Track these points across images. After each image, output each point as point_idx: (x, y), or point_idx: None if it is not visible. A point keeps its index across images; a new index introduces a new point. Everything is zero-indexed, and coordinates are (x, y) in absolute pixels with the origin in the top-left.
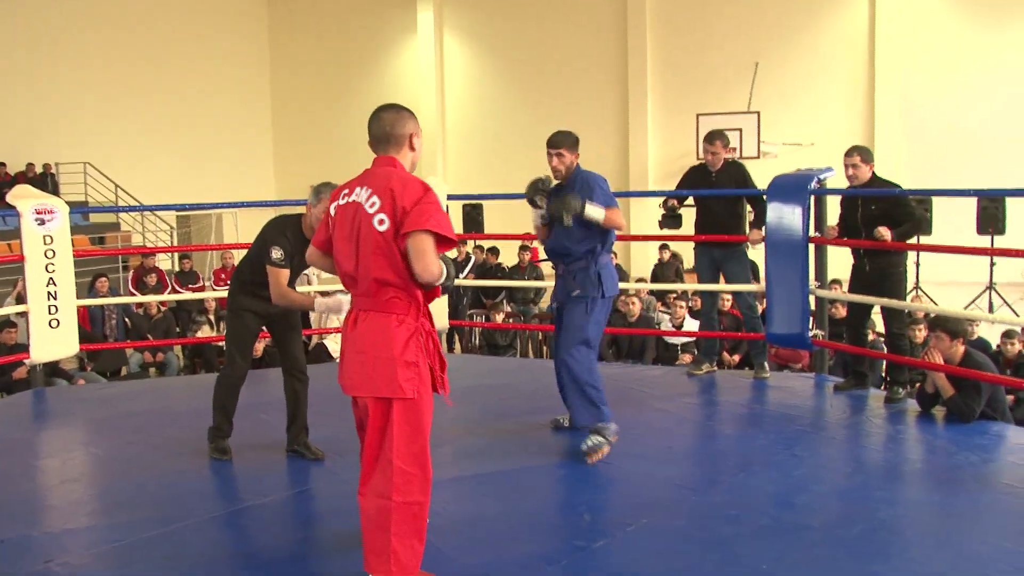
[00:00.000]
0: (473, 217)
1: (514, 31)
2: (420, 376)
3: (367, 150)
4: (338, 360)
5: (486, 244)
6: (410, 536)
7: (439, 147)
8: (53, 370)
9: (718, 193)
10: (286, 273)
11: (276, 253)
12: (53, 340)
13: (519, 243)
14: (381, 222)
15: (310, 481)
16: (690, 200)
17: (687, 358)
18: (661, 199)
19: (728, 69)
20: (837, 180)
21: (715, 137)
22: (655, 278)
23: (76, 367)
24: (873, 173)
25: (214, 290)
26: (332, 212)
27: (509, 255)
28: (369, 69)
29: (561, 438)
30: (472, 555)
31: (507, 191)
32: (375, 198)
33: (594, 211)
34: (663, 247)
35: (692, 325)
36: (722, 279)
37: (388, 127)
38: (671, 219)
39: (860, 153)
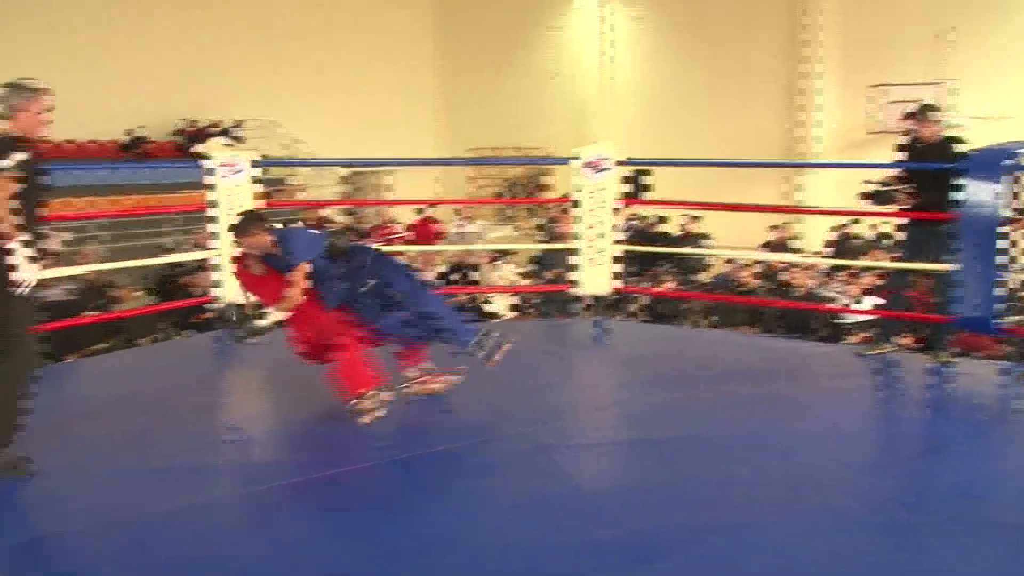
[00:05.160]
0: (642, 183)
1: None
2: None
3: (527, 116)
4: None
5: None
6: None
7: (609, 113)
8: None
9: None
10: (12, 184)
11: (13, 159)
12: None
13: (685, 211)
14: None
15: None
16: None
17: (858, 338)
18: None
19: (911, 35)
20: None
21: (919, 111)
22: (839, 252)
23: None
24: None
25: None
26: None
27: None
28: (532, 36)
29: (724, 409)
30: (630, 521)
31: (675, 157)
32: None
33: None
34: (858, 221)
35: (867, 304)
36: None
37: None
38: (879, 197)
39: None
